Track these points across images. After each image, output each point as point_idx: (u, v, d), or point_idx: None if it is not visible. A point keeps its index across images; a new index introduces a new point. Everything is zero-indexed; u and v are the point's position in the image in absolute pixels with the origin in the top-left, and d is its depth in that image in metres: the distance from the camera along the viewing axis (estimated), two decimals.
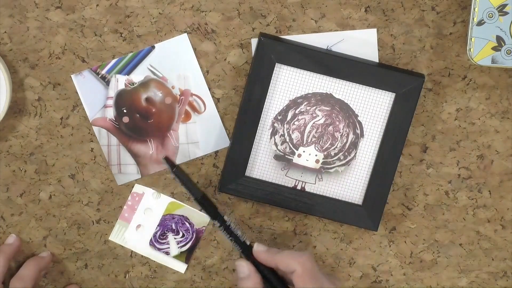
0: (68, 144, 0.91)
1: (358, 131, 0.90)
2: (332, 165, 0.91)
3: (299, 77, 0.89)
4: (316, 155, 0.91)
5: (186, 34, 0.89)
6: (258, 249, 0.84)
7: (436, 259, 0.95)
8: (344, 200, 0.92)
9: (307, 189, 0.92)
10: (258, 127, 0.90)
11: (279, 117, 0.90)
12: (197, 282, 0.95)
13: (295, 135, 0.90)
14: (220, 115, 0.91)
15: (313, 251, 0.94)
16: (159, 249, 0.94)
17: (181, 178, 0.86)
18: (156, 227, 0.94)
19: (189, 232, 0.94)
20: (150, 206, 0.93)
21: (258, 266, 0.84)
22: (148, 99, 0.91)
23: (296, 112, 0.90)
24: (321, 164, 0.91)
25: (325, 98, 0.90)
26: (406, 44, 0.90)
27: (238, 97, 0.91)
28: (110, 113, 0.91)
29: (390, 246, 0.95)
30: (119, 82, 0.90)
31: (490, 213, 0.94)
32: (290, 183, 0.92)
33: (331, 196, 0.92)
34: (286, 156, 0.91)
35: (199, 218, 0.93)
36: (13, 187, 0.92)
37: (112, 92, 0.90)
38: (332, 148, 0.91)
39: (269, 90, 0.89)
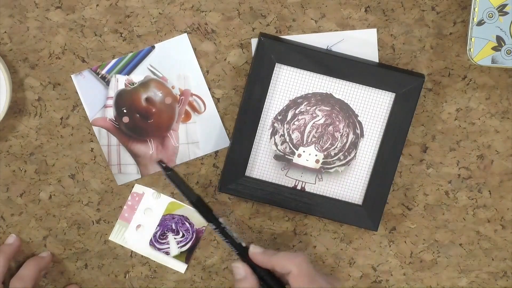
0: (68, 144, 0.91)
1: (358, 131, 0.90)
2: (332, 165, 0.91)
3: (299, 77, 0.89)
4: (316, 155, 0.91)
5: (186, 34, 0.89)
6: (254, 251, 0.84)
7: (436, 259, 0.95)
8: (344, 200, 0.92)
9: (307, 189, 0.92)
10: (258, 127, 0.90)
11: (279, 117, 0.90)
12: (197, 282, 0.95)
13: (295, 135, 0.90)
14: (220, 115, 0.91)
15: (313, 251, 0.94)
16: (159, 249, 0.94)
17: (175, 181, 0.86)
18: (156, 227, 0.94)
19: (189, 232, 0.94)
20: (150, 206, 0.93)
21: (255, 267, 0.84)
22: (148, 99, 0.91)
23: (296, 112, 0.90)
24: (321, 164, 0.91)
25: (325, 98, 0.90)
26: (406, 44, 0.90)
27: (238, 97, 0.91)
28: (110, 113, 0.91)
29: (390, 246, 0.95)
30: (119, 82, 0.90)
31: (490, 213, 0.94)
32: (290, 183, 0.92)
33: (331, 196, 0.92)
34: (286, 156, 0.91)
35: (199, 218, 0.93)
36: (13, 187, 0.92)
37: (112, 92, 0.90)
38: (332, 148, 0.91)
39: (269, 90, 0.89)
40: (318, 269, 0.94)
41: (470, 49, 0.85)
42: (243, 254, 0.85)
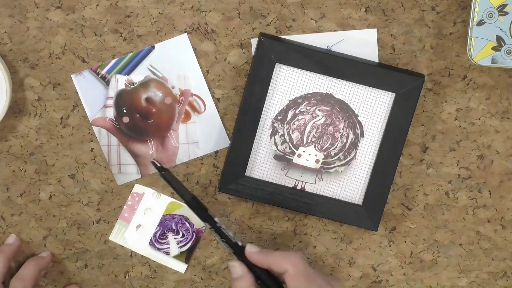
0: (68, 144, 0.91)
1: (358, 131, 0.90)
2: (332, 165, 0.91)
3: (299, 77, 0.89)
4: (316, 155, 0.91)
5: (186, 34, 0.89)
6: (251, 250, 0.84)
7: (436, 259, 0.95)
8: (344, 200, 0.92)
9: (307, 189, 0.92)
10: (258, 127, 0.90)
11: (279, 117, 0.90)
12: (197, 282, 0.95)
13: (295, 135, 0.90)
14: (220, 115, 0.91)
15: (313, 251, 0.94)
16: (159, 249, 0.94)
17: (169, 181, 0.86)
18: (156, 227, 0.94)
19: (189, 232, 0.94)
20: (150, 206, 0.93)
21: (252, 267, 0.84)
22: (148, 99, 0.91)
23: (296, 112, 0.90)
24: (321, 164, 0.91)
25: (325, 98, 0.90)
26: (406, 44, 0.90)
27: (238, 97, 0.91)
28: (110, 113, 0.91)
29: (390, 246, 0.95)
30: (119, 82, 0.90)
31: (490, 213, 0.94)
32: (290, 183, 0.92)
33: (331, 196, 0.92)
34: (286, 156, 0.91)
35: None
36: (13, 187, 0.92)
37: (112, 92, 0.90)
38: (332, 148, 0.91)
39: (269, 90, 0.89)
40: (318, 269, 0.94)
41: (470, 49, 0.85)
42: (239, 253, 0.85)
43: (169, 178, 0.86)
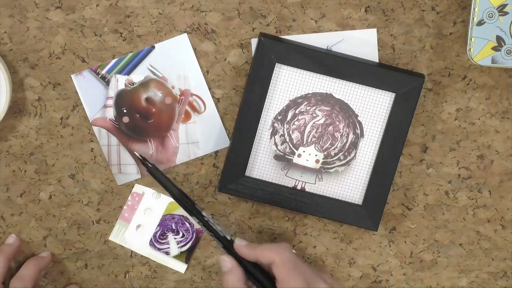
0: (68, 144, 0.91)
1: (358, 131, 0.90)
2: (332, 165, 0.91)
3: (299, 77, 0.89)
4: (316, 155, 0.91)
5: (186, 34, 0.89)
6: (239, 244, 0.85)
7: (436, 259, 0.95)
8: (344, 200, 0.92)
9: (307, 189, 0.92)
10: (258, 127, 0.90)
11: (279, 117, 0.90)
12: (197, 282, 0.95)
13: (295, 135, 0.90)
14: (220, 115, 0.91)
15: (313, 251, 0.94)
16: (159, 249, 0.94)
17: (156, 175, 0.86)
18: (156, 227, 0.94)
19: (189, 232, 0.94)
20: (150, 206, 0.93)
21: (241, 260, 0.85)
22: (148, 99, 0.91)
23: (296, 112, 0.90)
24: (321, 164, 0.91)
25: (325, 98, 0.90)
26: (406, 44, 0.90)
27: (238, 97, 0.91)
28: (110, 113, 0.91)
29: (390, 246, 0.95)
30: (119, 82, 0.90)
31: (490, 213, 0.94)
32: (290, 183, 0.92)
33: (331, 196, 0.92)
34: (286, 156, 0.91)
35: None
36: (13, 187, 0.92)
37: (112, 92, 0.90)
38: (332, 148, 0.91)
39: (269, 90, 0.89)
40: (318, 268, 0.94)
41: (470, 49, 0.85)
42: (228, 247, 0.85)
43: (155, 173, 0.87)
